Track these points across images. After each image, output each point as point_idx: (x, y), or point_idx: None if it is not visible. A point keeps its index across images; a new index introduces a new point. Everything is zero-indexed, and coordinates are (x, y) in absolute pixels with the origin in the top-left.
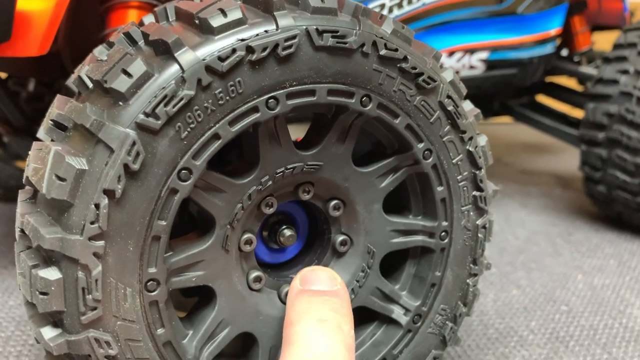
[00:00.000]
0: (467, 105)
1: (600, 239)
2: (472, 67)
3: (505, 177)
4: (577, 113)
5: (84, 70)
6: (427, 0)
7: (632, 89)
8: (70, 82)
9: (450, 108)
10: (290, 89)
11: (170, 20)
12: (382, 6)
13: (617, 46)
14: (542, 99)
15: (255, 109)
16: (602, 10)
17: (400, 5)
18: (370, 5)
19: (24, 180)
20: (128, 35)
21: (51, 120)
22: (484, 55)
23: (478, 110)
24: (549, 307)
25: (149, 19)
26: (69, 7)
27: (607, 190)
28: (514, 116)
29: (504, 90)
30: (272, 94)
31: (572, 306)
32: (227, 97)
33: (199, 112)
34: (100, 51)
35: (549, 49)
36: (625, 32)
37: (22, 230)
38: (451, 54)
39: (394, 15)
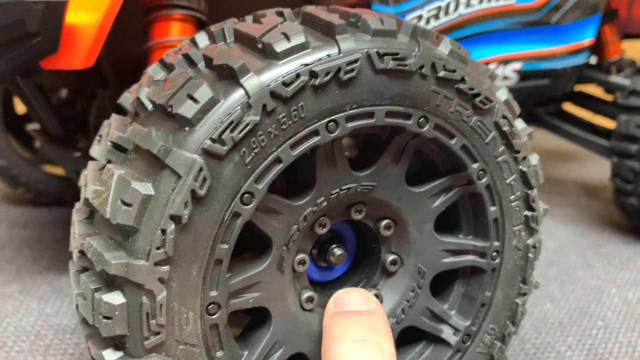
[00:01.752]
0: (520, 124)
1: (632, 252)
2: (505, 77)
3: None
4: (605, 122)
5: (143, 92)
6: (463, 11)
7: None
8: (125, 101)
9: (505, 128)
10: (350, 112)
11: (228, 41)
12: (420, 17)
13: None
14: (569, 107)
15: (315, 133)
16: (631, 19)
17: (437, 17)
18: (408, 17)
19: (82, 201)
20: (187, 57)
21: (110, 142)
22: (517, 65)
23: (531, 129)
24: (585, 322)
25: (202, 38)
26: None
27: (639, 202)
28: (541, 125)
29: (535, 100)
30: (333, 117)
31: (608, 321)
32: (290, 122)
33: (262, 137)
34: (154, 70)
35: (582, 59)
36: None
37: (82, 252)
38: (486, 64)
39: (431, 26)
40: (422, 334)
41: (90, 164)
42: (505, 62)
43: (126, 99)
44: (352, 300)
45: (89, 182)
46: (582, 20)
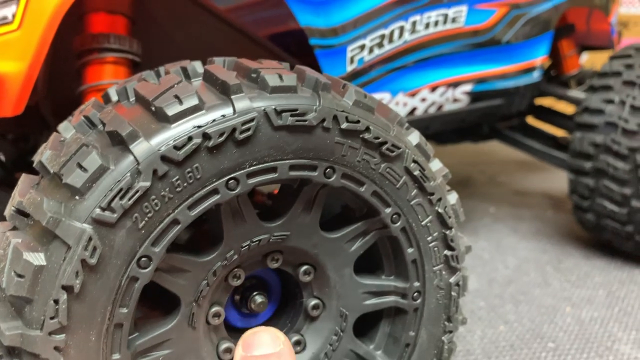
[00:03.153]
0: (436, 165)
1: (591, 267)
2: (456, 100)
3: (498, 198)
4: (568, 135)
5: (45, 156)
6: (408, 38)
7: (617, 119)
8: (36, 164)
9: (416, 173)
10: (251, 168)
11: (130, 100)
12: (363, 47)
13: (602, 74)
14: (533, 120)
15: (215, 192)
16: (590, 32)
17: (380, 45)
18: (350, 48)
19: None
20: (88, 119)
21: (13, 207)
22: (468, 87)
23: (446, 170)
24: (535, 345)
25: (113, 93)
26: (45, 62)
27: (596, 218)
28: (503, 140)
29: (491, 120)
30: (232, 175)
31: (559, 343)
32: (185, 184)
33: (156, 201)
34: (64, 128)
35: (535, 77)
36: (611, 60)
37: None
38: (434, 89)
39: (375, 54)
40: None
41: (1, 224)
42: (455, 84)
43: (36, 161)
44: (258, 342)
45: None
46: (533, 39)
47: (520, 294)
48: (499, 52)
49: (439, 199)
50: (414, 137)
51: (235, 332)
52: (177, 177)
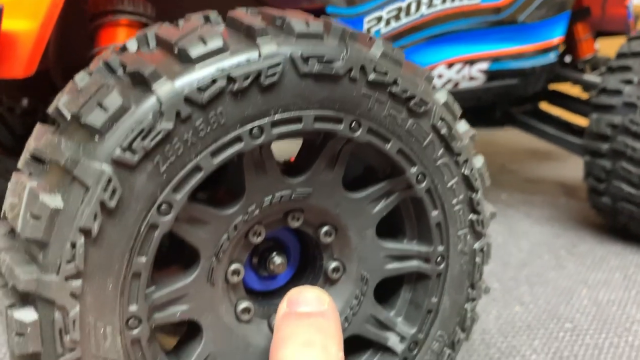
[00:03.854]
0: (462, 127)
1: (606, 252)
2: (472, 78)
3: (509, 185)
4: (581, 121)
5: (61, 101)
6: (425, 12)
7: (636, 99)
8: (51, 110)
9: (443, 131)
10: (275, 117)
11: (151, 46)
12: (379, 19)
13: (620, 55)
14: (546, 106)
15: (238, 139)
16: (605, 16)
17: (397, 18)
18: (367, 19)
19: (1, 214)
20: (107, 64)
21: (29, 153)
22: (484, 66)
23: (474, 132)
24: (552, 325)
25: (132, 44)
26: (56, 26)
27: (612, 202)
28: (516, 125)
29: (505, 100)
30: (256, 123)
31: (576, 323)
32: (208, 129)
33: (178, 145)
34: (81, 78)
35: (551, 57)
36: (629, 41)
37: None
38: (450, 65)
39: (391, 27)
40: (368, 343)
41: (14, 175)
42: (471, 62)
43: (51, 108)
44: (304, 300)
45: (7, 195)
46: (550, 19)
47: (535, 276)
48: (515, 32)
49: (466, 161)
50: (442, 95)
51: (253, 295)
52: (200, 121)
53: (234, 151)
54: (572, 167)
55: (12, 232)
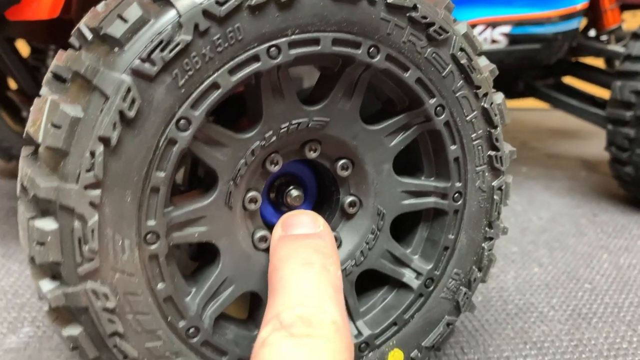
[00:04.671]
0: (483, 61)
1: (627, 220)
2: (494, 41)
3: (530, 161)
4: (604, 94)
5: (83, 22)
6: None
7: None
8: (73, 33)
9: (463, 61)
10: (293, 37)
11: None
12: None
13: None
14: (570, 81)
15: (256, 58)
16: None
17: None
18: None
19: (24, 135)
20: None
21: (50, 72)
22: (506, 29)
23: (494, 66)
24: (571, 285)
25: None
26: None
27: (635, 171)
28: (539, 97)
29: (528, 66)
30: (274, 42)
31: (596, 284)
32: (226, 44)
33: (196, 59)
34: (102, 5)
35: (574, 24)
36: None
37: (22, 185)
38: (473, 26)
39: None
40: (385, 279)
41: (35, 100)
42: (494, 24)
43: (73, 34)
44: (298, 222)
45: (31, 114)
46: None
47: (555, 241)
48: None
49: (485, 94)
50: (462, 26)
51: (271, 228)
52: (218, 35)
53: (252, 70)
54: (594, 145)
55: (34, 152)
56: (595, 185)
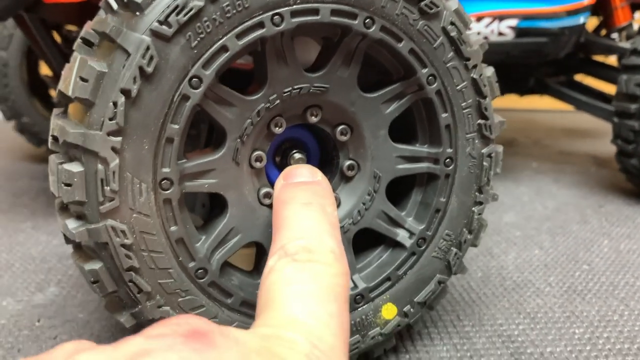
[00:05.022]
0: (473, 36)
1: (632, 211)
2: (501, 33)
3: (542, 157)
4: (615, 90)
5: None
6: None
7: None
8: (101, 6)
9: (453, 34)
10: (295, 7)
11: None
12: None
13: None
14: (581, 78)
15: (260, 25)
16: None
17: None
18: None
19: (56, 94)
20: None
21: (80, 37)
22: (513, 22)
23: (484, 40)
24: (570, 266)
25: None
26: None
27: None
28: (549, 93)
29: (535, 60)
30: (277, 10)
31: (594, 266)
32: (234, 11)
33: (207, 23)
34: None
35: (581, 19)
36: None
37: (53, 135)
38: (479, 19)
39: None
40: (380, 239)
41: (66, 66)
42: (500, 17)
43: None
44: (298, 173)
45: (62, 75)
46: None
47: (558, 228)
48: None
49: (475, 66)
50: (453, 2)
51: None
52: (227, 3)
53: (257, 35)
54: (606, 144)
55: (64, 112)
56: (603, 179)
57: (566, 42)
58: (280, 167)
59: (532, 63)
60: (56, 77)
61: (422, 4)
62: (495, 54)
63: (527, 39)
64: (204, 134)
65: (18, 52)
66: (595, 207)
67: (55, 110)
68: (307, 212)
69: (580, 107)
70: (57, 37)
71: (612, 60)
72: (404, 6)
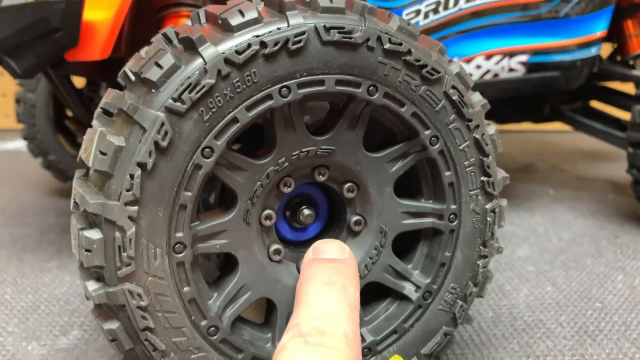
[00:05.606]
0: (475, 96)
1: None
2: (511, 70)
3: (558, 183)
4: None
5: (127, 65)
6: (464, 6)
7: None
8: (120, 74)
9: (455, 97)
10: (301, 79)
11: (202, 22)
12: (418, 12)
13: None
14: (597, 104)
15: (269, 97)
16: None
17: (436, 11)
18: (406, 12)
19: (77, 160)
20: (165, 35)
21: (100, 108)
22: (523, 58)
23: (485, 101)
24: (582, 304)
25: (187, 22)
26: (129, 18)
27: None
28: (565, 121)
29: (548, 93)
30: (285, 83)
31: (606, 303)
32: (244, 86)
33: (219, 98)
34: (144, 50)
35: (593, 52)
36: None
37: (74, 201)
38: (489, 57)
39: (430, 20)
40: (387, 292)
41: (87, 131)
42: (511, 54)
43: (120, 74)
44: (327, 249)
45: (83, 143)
46: (592, 14)
47: (572, 262)
48: (555, 26)
49: (477, 126)
50: (455, 66)
51: (286, 243)
52: (237, 78)
53: (266, 106)
54: (622, 167)
55: (85, 175)
56: (620, 208)
57: (578, 75)
58: (290, 221)
59: (545, 95)
60: (78, 123)
61: (424, 71)
62: (506, 90)
63: (539, 74)
64: (215, 193)
65: (45, 92)
66: (611, 238)
67: (77, 172)
68: (327, 291)
69: (595, 135)
70: (81, 79)
71: (629, 87)
72: (406, 73)
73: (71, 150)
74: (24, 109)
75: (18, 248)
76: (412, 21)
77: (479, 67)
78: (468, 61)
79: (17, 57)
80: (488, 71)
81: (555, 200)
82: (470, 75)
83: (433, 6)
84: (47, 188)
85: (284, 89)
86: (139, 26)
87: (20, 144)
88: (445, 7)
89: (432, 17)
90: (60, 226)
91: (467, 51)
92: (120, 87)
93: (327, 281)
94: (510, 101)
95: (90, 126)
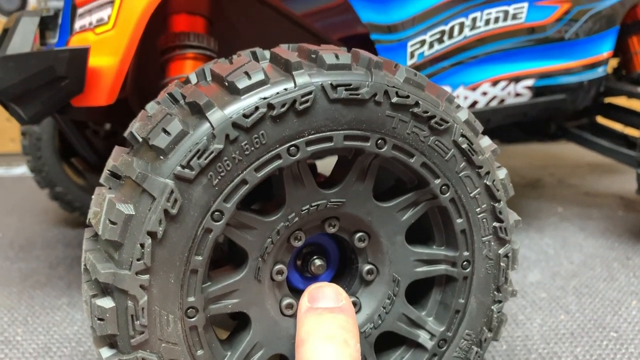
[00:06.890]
0: (485, 142)
1: None
2: (518, 94)
3: (567, 199)
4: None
5: (135, 127)
6: (468, 34)
7: None
8: (127, 134)
9: (464, 146)
10: (309, 137)
11: (207, 79)
12: (423, 42)
13: None
14: (604, 120)
15: (278, 157)
16: None
17: (441, 41)
18: (411, 43)
19: (87, 221)
20: (171, 95)
21: (108, 170)
22: (529, 82)
23: (495, 146)
24: (597, 334)
25: (193, 77)
26: (133, 60)
27: None
28: (571, 139)
29: (555, 115)
30: (293, 142)
31: (622, 333)
32: (252, 148)
33: (227, 162)
34: (151, 107)
35: (600, 72)
36: None
37: (85, 265)
38: (495, 83)
39: (435, 50)
40: (402, 340)
41: (97, 189)
42: (516, 79)
43: (127, 132)
44: (323, 296)
45: (92, 205)
46: (598, 35)
47: (584, 287)
48: (561, 48)
49: (487, 172)
50: (463, 113)
51: (297, 293)
52: (245, 141)
53: (274, 166)
54: (631, 180)
55: (95, 235)
56: (630, 226)
57: (585, 96)
58: (302, 271)
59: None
60: (85, 162)
61: (432, 121)
62: (512, 116)
63: (545, 98)
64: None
65: (50, 125)
66: (622, 260)
67: (87, 232)
68: (328, 347)
69: (602, 153)
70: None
71: (635, 103)
72: (415, 125)
73: (78, 181)
74: (30, 141)
75: (28, 284)
76: (417, 52)
77: (484, 94)
78: (474, 89)
79: (23, 104)
80: (494, 97)
81: (564, 219)
82: (476, 103)
83: (438, 35)
84: (55, 217)
85: (293, 147)
86: (144, 65)
87: (26, 170)
88: (450, 36)
89: (437, 46)
90: (69, 259)
91: (473, 79)
92: (127, 144)
93: (328, 335)
94: (517, 122)
95: (97, 168)
